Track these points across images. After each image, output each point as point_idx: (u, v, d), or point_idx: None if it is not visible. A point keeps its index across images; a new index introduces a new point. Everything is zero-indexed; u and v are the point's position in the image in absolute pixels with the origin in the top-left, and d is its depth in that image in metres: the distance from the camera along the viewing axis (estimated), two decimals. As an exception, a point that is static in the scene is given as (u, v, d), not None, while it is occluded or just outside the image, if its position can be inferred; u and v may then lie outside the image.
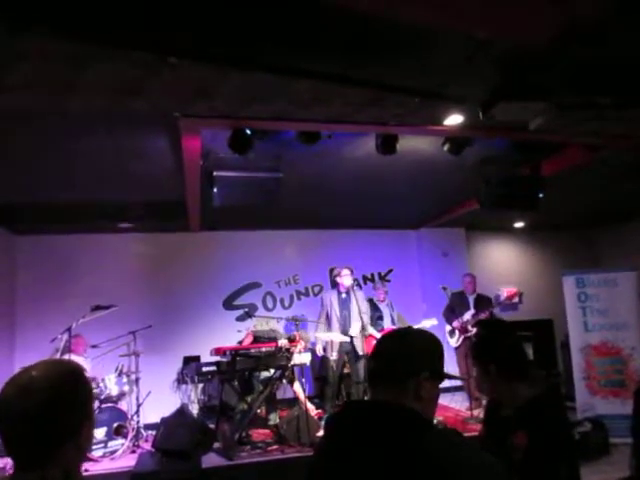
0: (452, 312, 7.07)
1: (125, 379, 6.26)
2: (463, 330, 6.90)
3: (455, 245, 8.96)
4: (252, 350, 5.88)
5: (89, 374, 6.17)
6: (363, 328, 6.29)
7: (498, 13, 2.50)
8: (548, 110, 3.20)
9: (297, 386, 6.38)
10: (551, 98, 3.12)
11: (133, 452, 5.80)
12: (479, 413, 6.34)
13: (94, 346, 6.69)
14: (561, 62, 2.99)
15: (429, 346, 1.44)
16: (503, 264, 9.47)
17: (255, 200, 4.91)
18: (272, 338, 6.39)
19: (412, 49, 2.81)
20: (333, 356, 6.31)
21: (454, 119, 3.84)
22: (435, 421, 2.36)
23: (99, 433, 5.58)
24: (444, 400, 7.28)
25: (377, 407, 1.31)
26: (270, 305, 8.31)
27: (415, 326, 6.72)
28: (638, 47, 2.85)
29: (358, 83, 3.00)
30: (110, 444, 5.68)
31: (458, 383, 6.99)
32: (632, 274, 6.31)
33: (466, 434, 5.59)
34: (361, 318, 6.28)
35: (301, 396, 6.19)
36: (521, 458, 1.84)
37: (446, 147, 4.57)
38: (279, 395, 7.15)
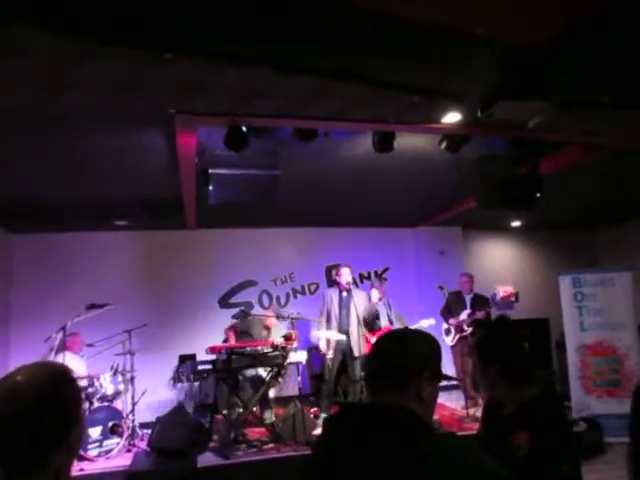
0: (449, 311, 7.07)
1: (120, 378, 6.23)
2: (459, 329, 6.90)
3: (452, 244, 8.96)
4: (248, 348, 5.85)
5: (85, 373, 6.14)
6: (360, 324, 6.29)
7: (499, 11, 2.49)
8: (547, 109, 3.19)
9: None
10: (550, 97, 3.10)
11: (129, 451, 5.77)
12: (475, 412, 6.34)
13: (89, 345, 6.66)
14: (561, 61, 2.98)
15: (429, 347, 1.43)
16: (500, 263, 9.48)
17: (251, 198, 4.88)
18: (255, 329, 6.40)
19: (412, 46, 2.79)
20: (330, 354, 6.29)
21: (452, 117, 3.83)
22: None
23: (94, 432, 5.55)
24: (440, 399, 7.17)
25: (377, 410, 1.29)
26: (266, 303, 8.29)
27: (413, 325, 6.74)
28: (638, 47, 2.84)
29: (357, 80, 2.98)
30: (105, 443, 5.65)
31: (454, 382, 6.98)
32: (628, 274, 6.32)
33: (462, 433, 5.64)
34: (358, 317, 6.27)
35: None
36: (524, 457, 1.83)
37: (444, 145, 4.56)
38: (275, 393, 7.14)
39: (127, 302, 7.18)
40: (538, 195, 5.15)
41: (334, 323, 6.48)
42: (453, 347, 6.89)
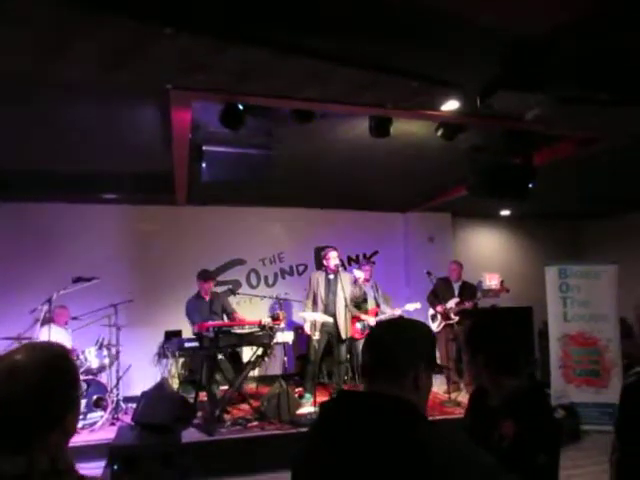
0: (436, 297, 7.13)
1: (105, 352, 6.23)
2: (445, 316, 6.97)
3: (441, 230, 8.98)
4: (235, 327, 5.86)
5: (70, 346, 6.13)
6: (348, 307, 6.34)
7: (501, 1, 2.47)
8: (546, 102, 3.19)
9: None
10: (550, 90, 3.10)
11: (112, 424, 5.81)
12: (457, 396, 6.46)
13: (75, 318, 6.64)
14: (562, 54, 2.98)
15: (426, 338, 1.44)
16: (487, 251, 9.56)
17: (244, 177, 4.85)
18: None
19: (413, 32, 2.77)
20: (316, 336, 6.34)
21: (451, 105, 3.82)
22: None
23: (78, 405, 5.55)
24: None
25: (374, 398, 1.30)
26: (254, 282, 8.29)
27: (398, 309, 6.81)
28: (636, 41, 2.85)
29: (357, 64, 2.95)
30: (89, 416, 5.67)
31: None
32: (613, 268, 6.41)
33: (443, 417, 5.73)
34: (345, 300, 6.30)
35: None
36: (507, 447, 1.87)
37: (440, 132, 4.55)
38: (261, 372, 7.20)
39: (114, 276, 7.14)
40: (530, 186, 5.17)
41: (320, 305, 6.52)
42: (438, 333, 6.97)
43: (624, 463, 1.88)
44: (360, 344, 6.72)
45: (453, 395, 6.49)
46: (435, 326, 7.06)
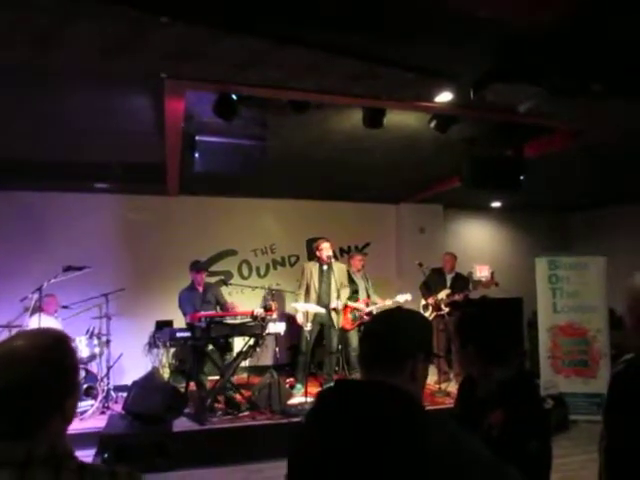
0: (427, 288, 7.17)
1: (96, 341, 6.22)
2: (436, 307, 7.01)
3: (432, 222, 9.01)
4: (227, 318, 5.87)
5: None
6: (340, 299, 6.36)
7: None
8: (539, 94, 3.20)
9: None
10: (543, 82, 3.11)
11: (103, 413, 5.82)
12: (447, 387, 6.52)
13: (65, 307, 6.62)
14: (556, 47, 2.98)
15: (423, 328, 1.45)
16: (478, 242, 9.60)
17: (238, 168, 4.82)
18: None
19: (409, 25, 2.76)
20: (307, 326, 6.36)
21: (444, 96, 3.82)
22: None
23: (69, 393, 5.54)
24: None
25: (372, 387, 1.31)
26: (246, 273, 8.29)
27: (389, 300, 6.83)
28: (634, 34, 2.86)
29: (353, 55, 2.94)
30: (80, 404, 5.65)
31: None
32: (602, 259, 6.48)
33: (434, 407, 5.78)
34: (338, 291, 6.32)
35: None
36: (497, 436, 1.89)
37: (433, 124, 4.56)
38: (253, 362, 7.21)
39: (105, 266, 7.10)
40: (522, 178, 5.21)
41: (313, 296, 6.53)
42: (429, 324, 6.98)
43: (612, 450, 1.91)
44: (351, 335, 6.75)
45: (443, 385, 6.55)
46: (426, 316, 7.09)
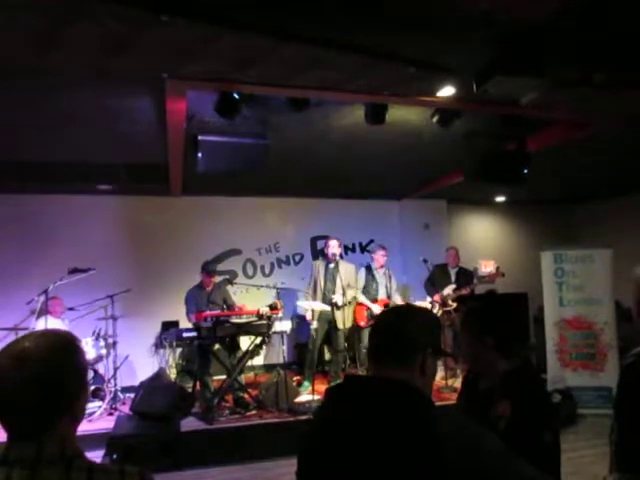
0: (432, 285, 7.14)
1: (102, 342, 6.25)
2: (443, 304, 6.99)
3: (437, 217, 9.00)
4: (233, 317, 5.87)
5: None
6: (345, 297, 6.34)
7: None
8: (542, 86, 3.19)
9: None
10: (546, 74, 3.09)
11: (110, 414, 5.84)
12: (453, 382, 6.50)
13: (71, 309, 6.64)
14: (558, 38, 2.97)
15: (432, 323, 1.45)
16: (482, 237, 9.58)
17: (240, 166, 4.81)
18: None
19: (410, 18, 2.75)
20: (313, 324, 6.35)
21: (447, 91, 3.81)
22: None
23: (76, 395, 5.56)
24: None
25: (381, 383, 1.30)
26: (250, 272, 8.29)
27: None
28: (635, 25, 2.84)
29: (354, 50, 2.93)
30: (87, 406, 5.66)
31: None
32: (608, 252, 6.44)
33: (441, 402, 5.77)
34: (343, 289, 6.30)
35: None
36: (505, 427, 1.88)
37: (435, 118, 4.54)
38: (259, 361, 7.21)
39: (110, 267, 7.12)
40: (525, 171, 5.19)
41: (319, 294, 6.53)
42: (436, 320, 6.96)
43: (622, 442, 1.91)
44: (364, 332, 6.73)
45: (450, 381, 6.54)
46: (432, 313, 7.06)
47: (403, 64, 3.16)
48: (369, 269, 7.01)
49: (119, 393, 6.25)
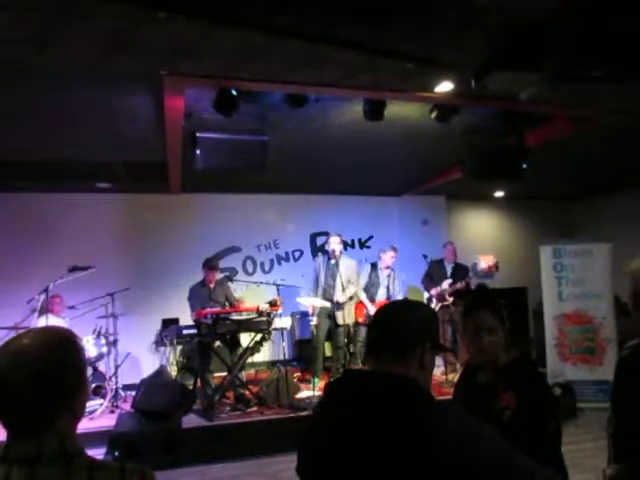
0: (431, 280, 7.16)
1: (103, 340, 6.24)
2: (440, 298, 7.01)
3: (435, 213, 9.00)
4: (233, 314, 5.88)
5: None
6: (345, 294, 6.34)
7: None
8: (541, 81, 3.18)
9: None
10: (545, 69, 3.09)
11: (112, 412, 5.85)
12: (453, 377, 6.51)
13: (71, 307, 6.65)
14: (557, 33, 2.96)
15: (431, 317, 1.46)
16: (481, 233, 9.58)
17: (240, 164, 4.80)
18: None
19: (408, 13, 2.74)
20: (313, 321, 6.36)
21: (445, 86, 3.80)
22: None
23: (78, 393, 5.58)
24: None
25: (380, 377, 1.31)
26: (250, 269, 8.30)
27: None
28: (634, 21, 2.84)
29: (352, 46, 2.93)
30: (89, 404, 5.68)
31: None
32: (607, 246, 6.45)
33: (441, 397, 5.78)
34: (343, 285, 6.31)
35: None
36: (510, 418, 1.89)
37: (434, 114, 4.54)
38: (259, 358, 7.22)
39: (110, 265, 7.12)
40: (524, 166, 5.19)
41: (320, 290, 6.53)
42: (434, 315, 6.98)
43: (619, 434, 1.93)
44: (361, 328, 6.76)
45: (450, 376, 6.55)
46: (431, 309, 7.08)
47: (401, 60, 3.15)
48: (374, 267, 7.01)
49: (120, 391, 6.26)
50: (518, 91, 3.37)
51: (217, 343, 6.09)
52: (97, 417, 5.67)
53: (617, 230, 7.96)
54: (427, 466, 1.13)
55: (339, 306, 6.39)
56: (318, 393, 5.74)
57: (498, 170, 5.24)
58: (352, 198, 8.63)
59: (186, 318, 6.58)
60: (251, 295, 7.71)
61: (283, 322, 6.09)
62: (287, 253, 8.51)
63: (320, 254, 6.93)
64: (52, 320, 6.01)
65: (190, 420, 5.38)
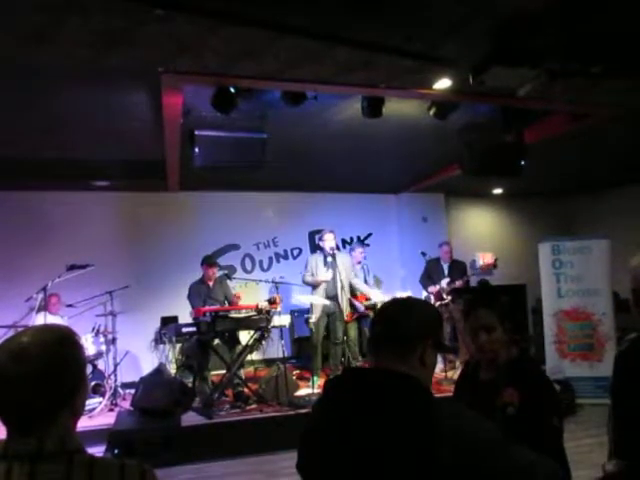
0: (429, 279, 7.16)
1: (102, 339, 6.24)
2: (439, 297, 7.01)
3: (434, 210, 8.99)
4: (232, 312, 5.88)
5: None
6: (345, 290, 6.35)
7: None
8: (539, 77, 3.18)
9: None
10: (542, 65, 3.09)
11: (111, 410, 5.85)
12: (453, 374, 6.52)
13: (70, 305, 6.64)
14: (554, 29, 2.96)
15: (433, 315, 1.45)
16: (480, 230, 9.58)
17: (238, 161, 4.79)
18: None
19: (406, 10, 2.74)
20: (312, 318, 6.35)
21: (443, 83, 3.80)
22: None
23: (76, 391, 5.58)
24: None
25: (381, 375, 1.31)
26: (249, 267, 8.30)
27: (389, 296, 6.80)
28: (633, 17, 2.84)
29: (350, 43, 2.92)
30: (88, 402, 5.68)
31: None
32: (605, 242, 6.45)
33: (440, 395, 5.79)
34: (342, 282, 6.30)
35: None
36: (514, 414, 1.89)
37: (432, 111, 4.54)
38: (259, 355, 7.22)
39: (108, 263, 7.11)
40: (522, 163, 5.19)
41: (321, 288, 6.48)
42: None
43: (619, 428, 1.93)
44: (351, 326, 6.77)
45: (449, 374, 6.56)
46: (429, 307, 7.08)
47: (399, 56, 3.15)
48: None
49: (119, 389, 6.26)
50: (516, 87, 3.37)
51: (216, 341, 6.09)
52: (96, 415, 5.66)
53: (616, 226, 7.97)
54: (426, 463, 1.13)
55: (338, 302, 6.38)
56: (317, 390, 5.74)
57: (497, 167, 5.25)
58: (351, 196, 8.63)
59: (185, 316, 6.58)
60: (250, 293, 7.72)
61: (282, 320, 6.09)
62: (286, 251, 8.51)
63: (316, 252, 6.90)
64: (50, 319, 6.01)
65: (189, 418, 5.38)
